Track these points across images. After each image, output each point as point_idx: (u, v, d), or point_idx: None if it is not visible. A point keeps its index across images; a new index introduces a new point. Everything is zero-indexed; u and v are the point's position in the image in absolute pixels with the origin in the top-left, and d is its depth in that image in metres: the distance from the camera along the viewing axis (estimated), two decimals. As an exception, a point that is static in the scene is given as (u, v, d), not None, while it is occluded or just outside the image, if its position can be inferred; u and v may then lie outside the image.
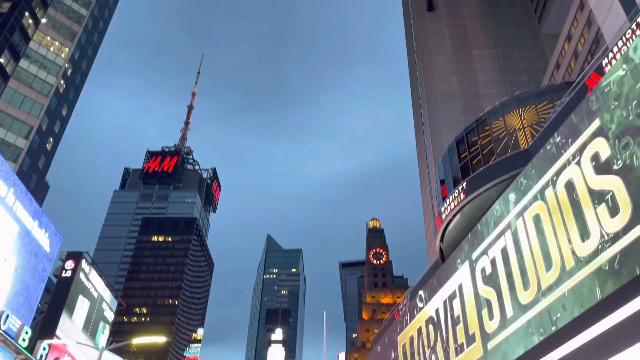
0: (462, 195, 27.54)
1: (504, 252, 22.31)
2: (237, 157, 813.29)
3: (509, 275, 21.62)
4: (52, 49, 75.86)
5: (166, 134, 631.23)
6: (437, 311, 30.10)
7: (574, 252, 17.07)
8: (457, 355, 26.14)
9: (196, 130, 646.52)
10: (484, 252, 24.33)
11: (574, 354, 15.96)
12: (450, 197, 28.74)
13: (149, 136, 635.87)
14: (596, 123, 16.46)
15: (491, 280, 23.10)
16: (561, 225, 18.16)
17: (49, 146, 75.01)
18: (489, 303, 22.91)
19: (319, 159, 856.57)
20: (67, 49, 78.03)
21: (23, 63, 70.72)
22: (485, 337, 22.97)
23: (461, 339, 25.84)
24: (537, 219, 19.87)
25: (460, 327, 26.17)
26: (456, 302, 27.16)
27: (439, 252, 32.37)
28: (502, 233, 22.78)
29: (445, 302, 28.96)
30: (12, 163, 64.03)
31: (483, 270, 24.28)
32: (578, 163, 17.30)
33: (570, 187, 17.78)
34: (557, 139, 18.81)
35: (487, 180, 25.89)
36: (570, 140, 17.94)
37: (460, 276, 27.19)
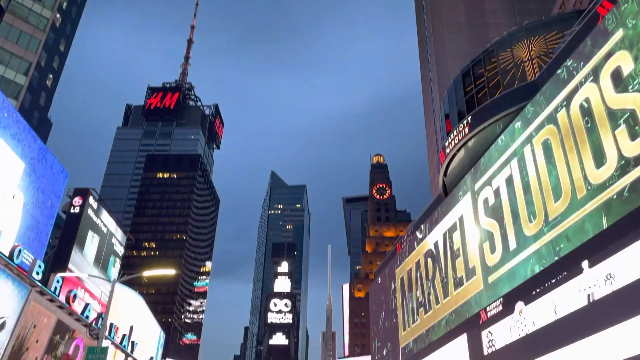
0: (466, 130, 27.26)
1: (509, 181, 21.32)
2: (239, 92, 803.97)
3: (514, 206, 20.68)
4: (45, -20, 73.17)
5: (167, 70, 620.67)
6: (436, 244, 29.70)
7: (586, 180, 15.94)
8: (456, 288, 25.88)
9: (196, 66, 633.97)
10: (488, 183, 23.42)
11: (575, 283, 15.61)
12: (455, 131, 28.47)
13: (149, 72, 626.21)
14: (619, 33, 15.13)
15: (494, 211, 22.38)
16: (573, 151, 16.84)
17: (49, 83, 74.08)
18: (490, 235, 22.36)
19: (322, 94, 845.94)
20: (60, -19, 75.27)
21: (16, -4, 68.48)
22: (486, 271, 22.49)
23: (460, 272, 25.53)
24: (546, 145, 18.60)
25: (459, 261, 25.84)
26: (456, 235, 26.74)
27: (442, 186, 32.51)
28: (507, 162, 21.67)
29: (444, 235, 28.57)
30: (14, 100, 63.53)
31: (486, 201, 23.45)
32: (595, 81, 15.93)
33: (585, 107, 16.38)
34: (569, 63, 17.60)
35: (493, 114, 25.53)
36: (582, 63, 16.75)
37: (461, 208, 26.52)
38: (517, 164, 20.75)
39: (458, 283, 25.65)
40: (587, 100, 16.30)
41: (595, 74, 15.97)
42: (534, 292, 17.73)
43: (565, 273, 16.02)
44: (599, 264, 14.39)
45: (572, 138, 16.91)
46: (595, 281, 14.39)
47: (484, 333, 21.10)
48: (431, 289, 29.35)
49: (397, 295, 35.95)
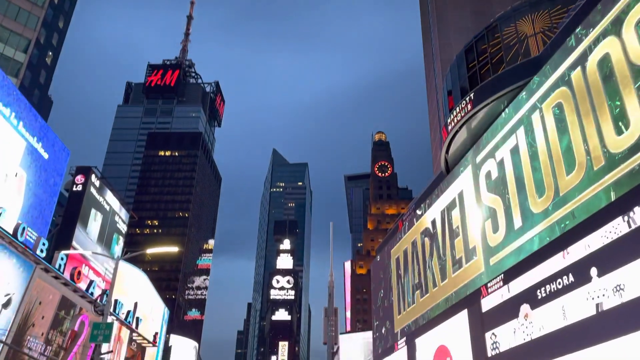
0: (469, 106, 27.05)
1: (515, 151, 19.70)
2: (239, 69, 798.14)
3: (520, 180, 19.12)
4: (42, -45, 72.02)
5: (166, 46, 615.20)
6: (433, 222, 28.29)
7: (605, 148, 14.34)
8: (454, 271, 24.75)
9: (196, 42, 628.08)
10: (490, 155, 21.98)
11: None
12: (457, 108, 28.26)
13: (148, 48, 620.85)
14: None
15: (497, 186, 21.04)
16: (590, 115, 15.08)
17: (48, 60, 73.56)
18: (493, 213, 21.15)
19: (323, 70, 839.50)
20: (57, -44, 74.14)
21: (13, -28, 67.51)
22: (488, 252, 21.23)
23: (460, 253, 24.30)
24: (558, 110, 16.80)
25: (459, 240, 24.62)
26: (455, 213, 25.45)
27: (444, 164, 32.44)
28: (512, 131, 20.11)
29: (443, 212, 27.18)
30: (14, 78, 63.15)
31: (488, 174, 22.06)
32: (617, 33, 14.18)
33: (604, 64, 14.51)
34: (578, 30, 16.33)
35: (496, 90, 25.22)
36: (592, 30, 15.37)
37: (461, 183, 25.14)
38: (523, 132, 19.08)
39: (457, 265, 24.47)
40: (606, 56, 14.44)
41: (616, 27, 14.18)
42: (539, 297, 16.99)
43: (573, 280, 15.28)
44: (609, 274, 13.73)
45: (589, 101, 15.02)
46: (604, 291, 13.82)
47: (487, 335, 20.41)
48: (428, 270, 28.16)
49: (392, 276, 34.78)
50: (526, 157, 18.75)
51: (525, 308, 17.76)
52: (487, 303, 20.92)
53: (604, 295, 13.77)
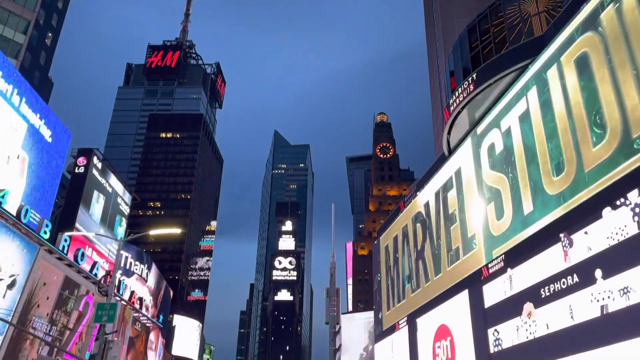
0: (471, 87, 26.82)
1: (525, 118, 16.70)
2: (240, 50, 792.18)
3: (531, 154, 16.37)
4: None
5: (166, 27, 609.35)
6: (426, 206, 25.55)
7: None
8: (450, 263, 22.48)
9: (196, 23, 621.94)
10: (494, 124, 19.11)
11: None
12: (460, 88, 28.03)
13: (148, 29, 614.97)
14: None
15: (503, 161, 18.43)
16: (627, 66, 11.86)
17: (48, 41, 73.04)
18: (497, 194, 18.99)
19: (325, 51, 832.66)
20: None
21: (11, -49, 66.62)
22: (491, 242, 19.08)
23: (456, 242, 22.03)
24: (582, 62, 13.56)
25: (455, 228, 22.29)
26: (452, 194, 22.88)
27: (446, 145, 32.28)
28: (522, 93, 17.36)
29: (437, 194, 24.57)
30: (14, 59, 62.77)
31: (491, 148, 19.39)
32: None
33: None
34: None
35: (498, 71, 25.02)
36: None
37: (459, 159, 22.45)
38: (536, 94, 15.85)
39: (453, 256, 22.30)
40: None
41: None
42: (543, 296, 16.46)
43: (577, 280, 14.76)
44: (615, 276, 13.17)
45: (625, 47, 11.97)
46: (609, 293, 13.13)
47: (490, 331, 19.98)
48: (420, 263, 26.10)
49: (381, 268, 32.47)
50: (539, 125, 15.57)
51: (528, 306, 17.11)
52: (488, 288, 20.25)
53: (609, 297, 13.22)
